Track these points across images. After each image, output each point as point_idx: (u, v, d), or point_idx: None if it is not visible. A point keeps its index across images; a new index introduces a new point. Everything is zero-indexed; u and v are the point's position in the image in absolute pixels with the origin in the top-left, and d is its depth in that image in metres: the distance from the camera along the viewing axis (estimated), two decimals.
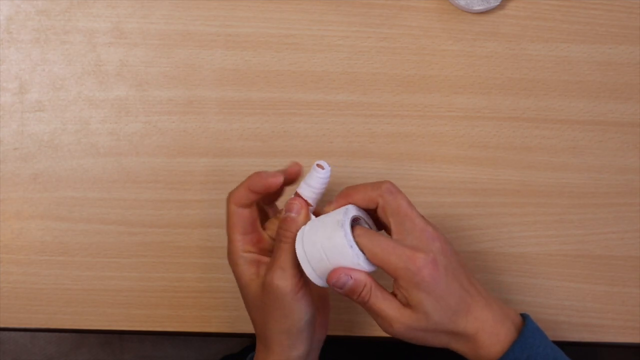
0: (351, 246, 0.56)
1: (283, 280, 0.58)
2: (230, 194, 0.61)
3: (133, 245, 0.74)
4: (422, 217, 0.59)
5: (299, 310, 0.59)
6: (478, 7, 0.76)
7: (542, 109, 0.76)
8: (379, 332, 0.74)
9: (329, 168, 0.59)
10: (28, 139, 0.74)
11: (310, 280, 0.58)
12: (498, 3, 0.76)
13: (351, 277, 0.57)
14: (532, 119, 0.76)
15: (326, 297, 0.66)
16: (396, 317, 0.58)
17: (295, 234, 0.59)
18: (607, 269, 0.75)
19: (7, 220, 0.73)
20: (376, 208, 0.59)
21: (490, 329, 0.59)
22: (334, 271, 0.58)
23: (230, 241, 0.62)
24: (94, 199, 0.74)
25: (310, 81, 0.76)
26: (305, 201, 0.59)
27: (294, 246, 0.58)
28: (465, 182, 0.76)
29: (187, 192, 0.74)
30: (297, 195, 0.60)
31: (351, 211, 0.58)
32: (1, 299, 0.73)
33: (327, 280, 0.58)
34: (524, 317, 0.62)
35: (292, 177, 0.62)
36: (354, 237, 0.57)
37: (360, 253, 0.57)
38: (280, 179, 0.60)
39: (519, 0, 0.77)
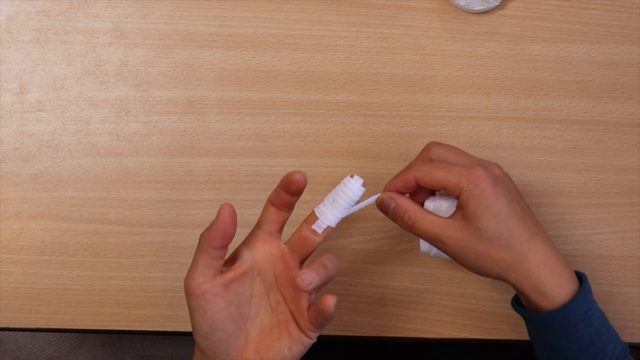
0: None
1: (190, 280, 0.55)
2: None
3: (133, 245, 0.74)
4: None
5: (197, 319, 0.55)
6: (478, 7, 0.76)
7: (542, 109, 0.76)
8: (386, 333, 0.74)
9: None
10: (28, 139, 0.74)
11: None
12: (498, 3, 0.76)
13: (394, 201, 0.59)
14: (532, 119, 0.76)
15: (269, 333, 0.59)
16: (447, 234, 0.57)
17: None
18: (607, 269, 0.75)
19: (7, 220, 0.73)
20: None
21: (553, 268, 0.56)
22: (381, 195, 0.60)
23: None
24: (94, 199, 0.74)
25: (310, 81, 0.76)
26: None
27: (212, 250, 0.54)
28: None
29: (187, 192, 0.74)
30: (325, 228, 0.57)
31: None
32: (1, 299, 0.73)
33: (376, 202, 0.60)
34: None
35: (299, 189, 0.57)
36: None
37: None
38: (303, 179, 0.56)
39: (519, 0, 0.77)
